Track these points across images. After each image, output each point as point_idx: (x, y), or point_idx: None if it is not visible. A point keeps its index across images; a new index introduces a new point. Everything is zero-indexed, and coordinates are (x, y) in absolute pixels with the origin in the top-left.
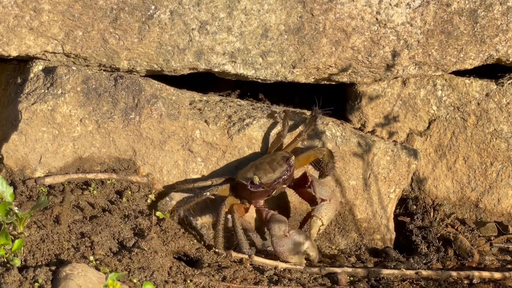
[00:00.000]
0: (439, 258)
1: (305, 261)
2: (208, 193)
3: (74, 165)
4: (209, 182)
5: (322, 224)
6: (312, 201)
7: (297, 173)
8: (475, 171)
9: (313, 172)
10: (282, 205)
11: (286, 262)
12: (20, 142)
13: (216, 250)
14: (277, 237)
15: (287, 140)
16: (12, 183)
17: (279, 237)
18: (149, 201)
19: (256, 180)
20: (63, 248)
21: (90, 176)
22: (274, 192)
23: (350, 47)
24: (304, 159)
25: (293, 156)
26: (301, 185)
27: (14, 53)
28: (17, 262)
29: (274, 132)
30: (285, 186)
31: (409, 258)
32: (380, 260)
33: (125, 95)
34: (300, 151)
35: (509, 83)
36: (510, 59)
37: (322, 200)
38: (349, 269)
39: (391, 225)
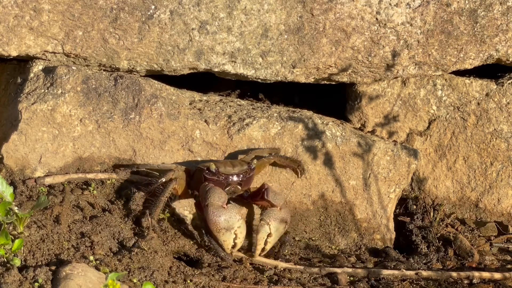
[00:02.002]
0: (439, 258)
1: (232, 243)
2: (163, 179)
3: (74, 165)
4: (173, 166)
5: (270, 234)
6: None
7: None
8: (475, 171)
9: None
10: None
11: (215, 235)
12: (20, 142)
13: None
14: (214, 206)
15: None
16: (12, 183)
17: (217, 206)
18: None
19: (213, 167)
20: (63, 248)
21: (90, 176)
22: (228, 188)
23: (350, 47)
24: (258, 167)
25: (255, 161)
26: (258, 195)
27: (14, 53)
28: (17, 262)
29: (274, 132)
30: (240, 188)
31: (409, 258)
32: (380, 260)
33: (125, 95)
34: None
35: (509, 83)
36: (510, 59)
37: (273, 205)
38: (349, 269)
39: (391, 225)
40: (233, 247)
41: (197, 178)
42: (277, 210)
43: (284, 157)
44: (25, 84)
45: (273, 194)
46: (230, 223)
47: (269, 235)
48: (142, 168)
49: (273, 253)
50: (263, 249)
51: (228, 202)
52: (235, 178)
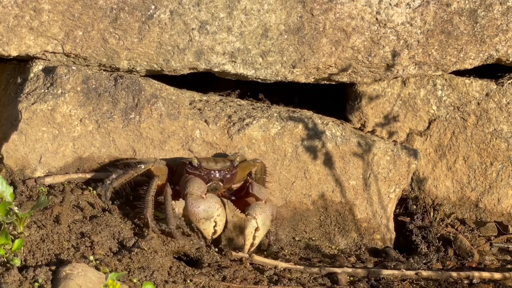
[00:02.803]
0: (439, 258)
1: (212, 231)
2: (142, 166)
3: (74, 165)
4: (152, 159)
5: (258, 228)
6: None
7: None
8: (475, 171)
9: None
10: None
11: (195, 224)
12: (20, 142)
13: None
14: (193, 196)
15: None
16: (12, 183)
17: (196, 197)
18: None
19: (195, 161)
20: (63, 248)
21: (90, 176)
22: (209, 184)
23: (350, 47)
24: (241, 170)
25: (238, 158)
26: (240, 192)
27: (14, 53)
28: (17, 262)
29: (274, 132)
30: (222, 185)
31: (409, 258)
32: (380, 260)
33: (125, 95)
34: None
35: (509, 83)
36: (510, 59)
37: (258, 199)
38: (349, 269)
39: (391, 225)
40: (213, 234)
41: (180, 172)
42: (263, 204)
43: (264, 171)
44: (25, 84)
45: (258, 188)
46: (209, 213)
47: (256, 229)
48: (122, 163)
49: (271, 252)
50: (252, 244)
51: (207, 192)
52: (217, 174)
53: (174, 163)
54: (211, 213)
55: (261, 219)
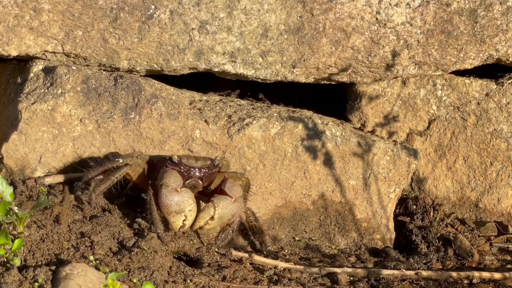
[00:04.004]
0: (439, 258)
1: (180, 224)
2: (120, 160)
3: (74, 165)
4: (135, 153)
5: (212, 218)
6: None
7: None
8: (475, 171)
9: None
10: None
11: (165, 216)
12: (20, 142)
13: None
14: (168, 189)
15: None
16: (12, 183)
17: (171, 190)
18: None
19: (175, 158)
20: (63, 248)
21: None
22: (188, 181)
23: (350, 47)
24: (222, 174)
25: (219, 157)
26: (217, 189)
27: (14, 53)
28: (17, 262)
29: (274, 132)
30: (201, 183)
31: (409, 258)
32: (380, 260)
33: (125, 95)
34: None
35: (509, 83)
36: (510, 59)
37: (228, 195)
38: (349, 269)
39: (391, 225)
40: (181, 227)
41: (159, 168)
42: (230, 200)
43: (248, 187)
44: (25, 84)
45: (231, 185)
46: (181, 207)
47: (211, 218)
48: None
49: (272, 253)
50: (201, 227)
51: (182, 187)
52: (197, 172)
53: (156, 159)
54: (183, 208)
55: (220, 212)
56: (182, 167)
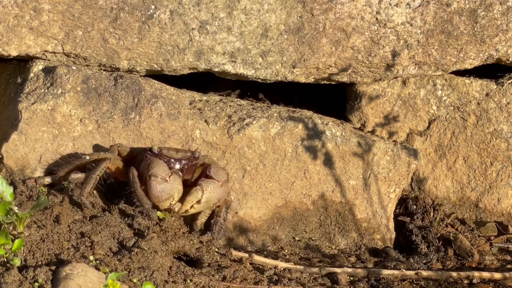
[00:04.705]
0: (439, 258)
1: (167, 206)
2: (94, 156)
3: None
4: (115, 147)
5: (199, 201)
6: None
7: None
8: (475, 171)
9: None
10: None
11: (154, 202)
12: (20, 142)
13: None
14: (158, 180)
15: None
16: (12, 183)
17: (160, 181)
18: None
19: (155, 149)
20: (63, 248)
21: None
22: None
23: (350, 47)
24: (202, 167)
25: (199, 149)
26: (201, 176)
27: (14, 53)
28: (17, 262)
29: (274, 132)
30: (181, 175)
31: (409, 258)
32: (380, 260)
33: (125, 95)
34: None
35: (509, 83)
36: (510, 59)
37: (214, 179)
38: (349, 269)
39: (391, 225)
40: (167, 208)
41: (140, 160)
42: (217, 184)
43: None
44: (25, 84)
45: (216, 170)
46: (171, 194)
47: (198, 201)
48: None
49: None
50: (186, 211)
51: (170, 175)
52: (177, 164)
53: (136, 151)
54: (173, 194)
55: (207, 196)
56: (162, 158)
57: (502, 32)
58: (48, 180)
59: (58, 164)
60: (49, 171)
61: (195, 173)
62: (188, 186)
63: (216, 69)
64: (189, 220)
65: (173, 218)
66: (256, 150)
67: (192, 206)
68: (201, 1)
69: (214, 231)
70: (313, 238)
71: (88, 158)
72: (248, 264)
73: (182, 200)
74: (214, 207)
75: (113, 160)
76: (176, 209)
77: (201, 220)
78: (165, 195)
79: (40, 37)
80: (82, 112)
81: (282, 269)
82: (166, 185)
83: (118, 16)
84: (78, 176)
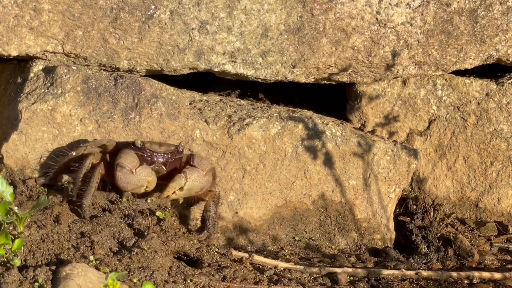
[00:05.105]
0: (439, 258)
1: (142, 192)
2: (73, 153)
3: None
4: (104, 140)
5: (182, 188)
6: None
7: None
8: (475, 171)
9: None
10: None
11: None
12: (20, 142)
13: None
14: (123, 171)
15: None
16: (12, 183)
17: (126, 172)
18: (149, 200)
19: (138, 142)
20: (63, 248)
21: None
22: (152, 166)
23: (350, 46)
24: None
25: (183, 143)
26: (185, 166)
27: (14, 53)
28: (17, 262)
29: (274, 132)
30: (164, 169)
31: (409, 258)
32: (380, 260)
33: (125, 95)
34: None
35: (509, 83)
36: (510, 59)
37: (198, 168)
38: (349, 269)
39: (391, 224)
40: (144, 194)
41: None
42: (201, 173)
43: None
44: (25, 84)
45: (199, 160)
46: (139, 184)
47: (181, 188)
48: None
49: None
50: (168, 196)
51: (140, 165)
52: (160, 157)
53: (121, 145)
54: (142, 184)
55: (190, 184)
56: (145, 152)
57: (502, 32)
58: (42, 180)
59: (48, 165)
60: (43, 172)
61: (180, 166)
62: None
63: (216, 69)
64: (184, 218)
65: (173, 218)
66: (256, 150)
67: (174, 193)
68: (201, 1)
69: (209, 227)
70: (313, 238)
71: (74, 154)
72: (248, 264)
73: (165, 186)
74: (206, 202)
75: (97, 155)
76: (151, 190)
77: (195, 216)
78: (130, 185)
79: (40, 37)
80: (82, 112)
81: (282, 269)
82: (131, 177)
83: (118, 16)
84: (67, 178)
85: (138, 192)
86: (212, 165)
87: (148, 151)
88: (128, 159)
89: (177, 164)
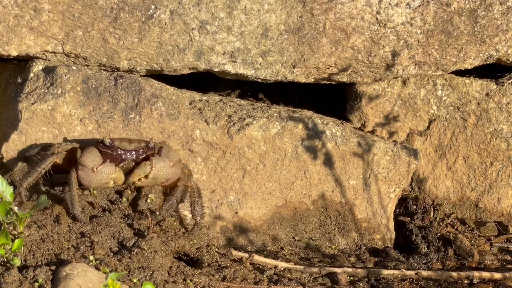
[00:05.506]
0: (439, 258)
1: (111, 185)
2: (48, 160)
3: None
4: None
5: (147, 176)
6: None
7: None
8: (475, 171)
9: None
10: None
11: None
12: (20, 142)
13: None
14: (84, 170)
15: None
16: (12, 183)
17: (86, 171)
18: (149, 200)
19: (107, 140)
20: (63, 248)
21: None
22: (122, 164)
23: (350, 46)
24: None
25: (154, 139)
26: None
27: (14, 53)
28: (17, 262)
29: (274, 132)
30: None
31: (409, 258)
32: (380, 260)
33: (125, 95)
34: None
35: (509, 83)
36: (510, 59)
37: (165, 159)
38: (349, 269)
39: (391, 224)
40: (113, 186)
41: None
42: (168, 163)
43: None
44: (25, 84)
45: (167, 151)
46: (102, 182)
47: (146, 176)
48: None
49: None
50: (133, 183)
51: (102, 163)
52: (129, 155)
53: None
54: (105, 181)
55: (155, 173)
56: (114, 150)
57: (502, 32)
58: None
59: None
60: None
61: None
62: None
63: (216, 69)
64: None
65: (173, 218)
66: (256, 150)
67: (140, 180)
68: (201, 1)
69: (163, 208)
70: (313, 238)
71: (48, 161)
72: (248, 264)
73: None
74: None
75: (61, 154)
76: (121, 183)
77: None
78: (93, 184)
79: (40, 37)
80: (82, 112)
81: (282, 269)
82: (93, 175)
83: (118, 16)
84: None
85: (107, 187)
86: (180, 157)
87: (117, 149)
88: (90, 158)
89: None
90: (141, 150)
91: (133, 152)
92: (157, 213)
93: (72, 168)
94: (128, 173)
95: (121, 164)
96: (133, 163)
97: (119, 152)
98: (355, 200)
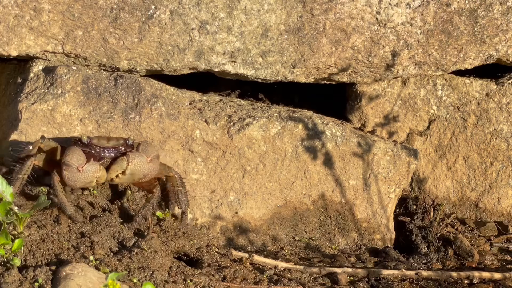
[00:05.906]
0: (439, 258)
1: (94, 185)
2: (21, 155)
3: None
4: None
5: (124, 172)
6: None
7: None
8: (475, 171)
9: None
10: None
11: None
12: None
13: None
14: (70, 169)
15: None
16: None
17: (72, 170)
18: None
19: (85, 138)
20: (63, 248)
21: None
22: (100, 162)
23: (350, 47)
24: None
25: (132, 136)
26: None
27: (14, 53)
28: (17, 262)
29: (274, 132)
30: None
31: (409, 258)
32: (380, 260)
33: (125, 95)
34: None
35: (509, 83)
36: (510, 59)
37: (142, 154)
38: (349, 269)
39: (391, 225)
40: (95, 185)
41: None
42: (145, 159)
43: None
44: (25, 84)
45: (145, 147)
46: (87, 181)
47: (123, 172)
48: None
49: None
50: (112, 180)
51: (87, 162)
52: (107, 153)
53: (66, 143)
54: (90, 180)
55: (132, 169)
56: (92, 148)
57: (502, 32)
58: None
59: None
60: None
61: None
62: None
63: (216, 69)
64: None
65: (173, 219)
66: (256, 150)
67: (117, 176)
68: (201, 1)
69: (139, 214)
70: (313, 238)
71: (28, 163)
72: (248, 264)
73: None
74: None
75: (39, 156)
76: (102, 181)
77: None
78: (79, 183)
79: (40, 37)
80: (82, 112)
81: (282, 269)
82: (78, 175)
83: (118, 16)
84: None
85: (90, 187)
86: (158, 152)
87: (95, 147)
88: (75, 157)
89: None
90: (120, 148)
91: (112, 150)
92: (137, 215)
93: (53, 171)
94: (106, 170)
95: (99, 162)
96: (112, 161)
97: (97, 150)
98: (355, 200)
